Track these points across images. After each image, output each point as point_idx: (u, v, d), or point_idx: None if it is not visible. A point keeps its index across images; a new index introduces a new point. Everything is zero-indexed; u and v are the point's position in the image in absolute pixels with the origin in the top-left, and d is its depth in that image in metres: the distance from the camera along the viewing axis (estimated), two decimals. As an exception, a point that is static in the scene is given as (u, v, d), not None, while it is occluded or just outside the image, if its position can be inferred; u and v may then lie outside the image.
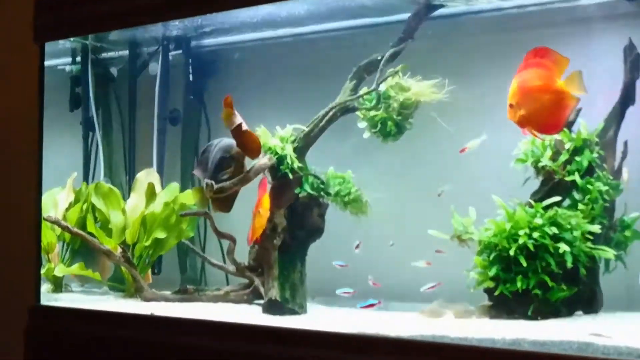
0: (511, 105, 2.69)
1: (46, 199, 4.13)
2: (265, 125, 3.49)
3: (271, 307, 3.30)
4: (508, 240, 2.85)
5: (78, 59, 4.81)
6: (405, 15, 3.45)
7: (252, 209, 3.37)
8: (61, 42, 4.49)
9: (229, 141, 3.33)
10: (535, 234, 2.78)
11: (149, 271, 4.11)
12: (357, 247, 3.42)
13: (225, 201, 3.34)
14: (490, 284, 2.91)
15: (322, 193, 3.50)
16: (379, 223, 3.65)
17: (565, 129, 2.84)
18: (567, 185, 2.94)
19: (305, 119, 3.51)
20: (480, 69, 3.62)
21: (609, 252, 2.73)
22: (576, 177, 2.83)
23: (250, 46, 4.41)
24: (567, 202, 2.89)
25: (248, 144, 3.22)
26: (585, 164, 2.83)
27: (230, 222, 3.66)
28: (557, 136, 2.95)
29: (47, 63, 3.84)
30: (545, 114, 2.66)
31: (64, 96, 4.87)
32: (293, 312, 3.32)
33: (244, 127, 3.21)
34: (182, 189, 4.19)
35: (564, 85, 2.62)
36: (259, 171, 3.33)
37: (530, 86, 2.63)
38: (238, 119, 3.20)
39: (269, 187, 3.32)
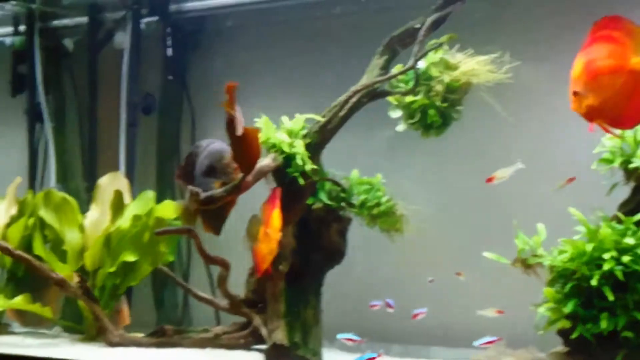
0: (575, 93, 2.64)
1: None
2: (268, 115, 3.47)
3: (276, 354, 3.30)
4: (589, 266, 2.84)
5: (22, 27, 4.84)
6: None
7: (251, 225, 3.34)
8: (-1, 5, 4.49)
9: (220, 146, 3.29)
10: (625, 258, 2.77)
11: (124, 307, 4.09)
12: (388, 306, 3.37)
13: (213, 218, 3.28)
14: (566, 324, 2.90)
15: (342, 204, 3.50)
16: (419, 243, 3.61)
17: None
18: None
19: (320, 106, 3.51)
20: (556, 40, 3.56)
21: None
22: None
23: (247, 11, 4.40)
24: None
25: (247, 155, 3.14)
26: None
27: (223, 242, 3.55)
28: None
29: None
30: (620, 102, 2.61)
31: (2, 76, 4.92)
32: (305, 361, 3.33)
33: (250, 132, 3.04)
34: (160, 198, 4.16)
35: None
36: (259, 175, 3.31)
37: (598, 67, 2.61)
38: (241, 119, 3.08)
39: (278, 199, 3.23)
